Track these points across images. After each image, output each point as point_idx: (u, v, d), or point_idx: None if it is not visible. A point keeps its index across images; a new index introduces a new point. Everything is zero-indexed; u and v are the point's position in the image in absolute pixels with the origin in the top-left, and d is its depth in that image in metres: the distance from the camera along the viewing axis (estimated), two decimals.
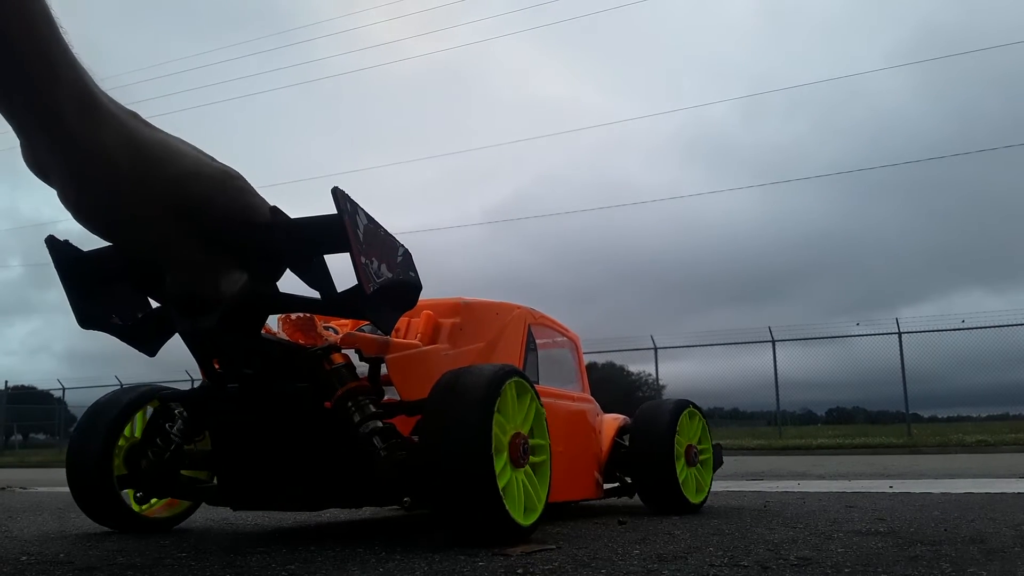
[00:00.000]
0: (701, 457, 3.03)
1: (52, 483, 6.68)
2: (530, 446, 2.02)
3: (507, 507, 1.79)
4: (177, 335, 1.61)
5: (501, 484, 1.79)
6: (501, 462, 1.83)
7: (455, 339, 2.40)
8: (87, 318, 1.51)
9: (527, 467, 2.00)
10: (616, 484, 3.12)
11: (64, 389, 25.18)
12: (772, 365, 17.18)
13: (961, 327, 16.31)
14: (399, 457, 1.82)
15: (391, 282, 1.51)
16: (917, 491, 3.70)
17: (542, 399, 2.15)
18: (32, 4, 1.06)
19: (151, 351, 1.60)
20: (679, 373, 18.61)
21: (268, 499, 2.08)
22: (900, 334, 16.35)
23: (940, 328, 16.61)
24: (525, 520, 1.89)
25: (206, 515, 2.97)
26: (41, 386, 29.41)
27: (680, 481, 2.79)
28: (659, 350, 18.09)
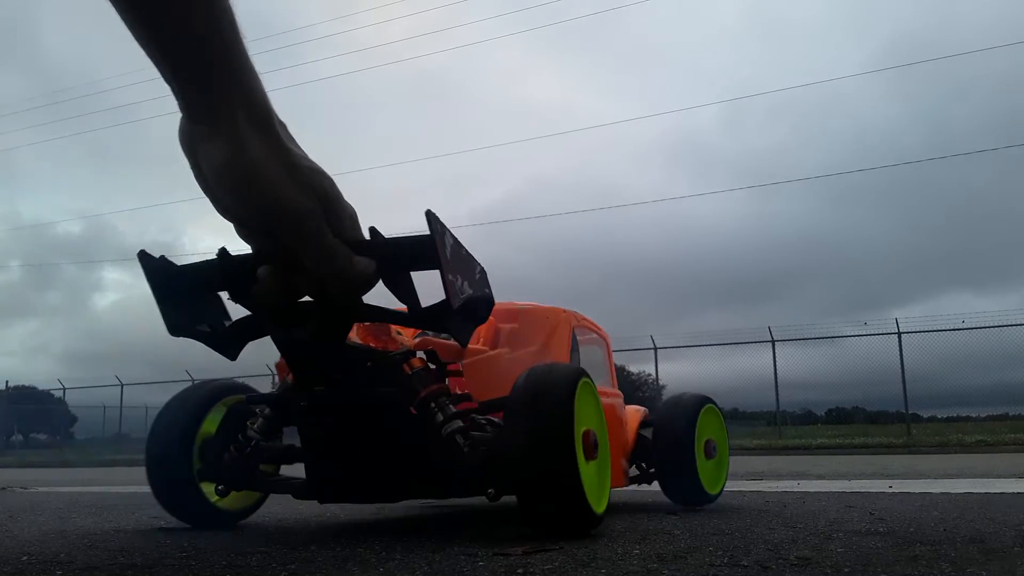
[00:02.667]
0: (718, 451, 3.19)
1: (52, 483, 6.69)
2: (597, 440, 2.16)
3: (587, 496, 1.95)
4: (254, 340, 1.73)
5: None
6: (578, 455, 1.97)
7: (513, 343, 2.63)
8: (177, 327, 1.61)
9: (596, 460, 2.16)
10: (637, 473, 3.28)
11: (64, 389, 25.22)
12: (772, 365, 17.20)
13: (961, 327, 16.32)
14: (483, 452, 1.98)
15: (471, 298, 1.63)
16: (917, 491, 3.70)
17: None
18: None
19: (233, 356, 1.71)
20: (679, 373, 18.65)
21: (353, 493, 2.27)
22: (900, 334, 16.36)
23: (940, 328, 16.62)
24: (599, 508, 2.08)
25: None
26: (41, 386, 29.42)
27: (699, 472, 2.97)
28: (659, 350, 18.11)
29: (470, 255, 1.66)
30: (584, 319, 3.14)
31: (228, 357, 1.72)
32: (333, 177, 1.34)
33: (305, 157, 1.28)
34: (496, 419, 2.17)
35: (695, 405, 3.08)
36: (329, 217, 1.31)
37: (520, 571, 1.51)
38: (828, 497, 3.45)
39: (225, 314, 1.69)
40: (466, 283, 1.60)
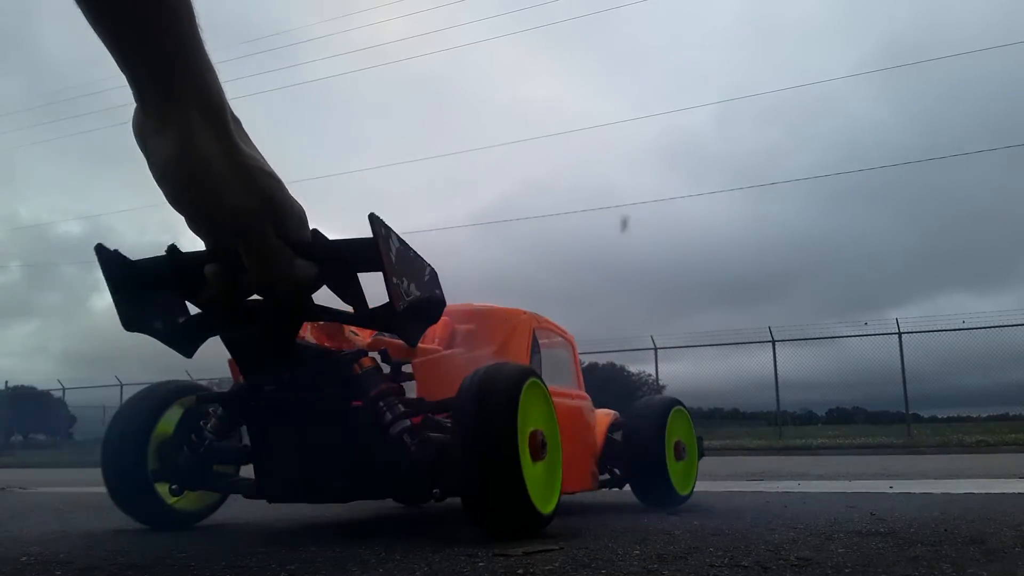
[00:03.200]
0: (687, 452, 3.24)
1: (52, 483, 6.69)
2: (545, 441, 2.15)
3: (531, 497, 1.95)
4: (211, 338, 1.72)
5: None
6: (524, 456, 1.97)
7: (470, 343, 2.61)
8: (131, 321, 1.62)
9: (544, 461, 2.14)
10: (607, 476, 3.27)
11: (64, 389, 25.19)
12: (772, 365, 17.19)
13: (961, 327, 16.32)
14: (428, 453, 1.97)
15: (419, 299, 1.64)
16: (917, 491, 3.70)
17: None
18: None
19: (189, 353, 1.71)
20: (678, 373, 18.64)
21: (303, 493, 2.25)
22: (900, 334, 16.35)
23: (940, 328, 16.61)
24: (545, 509, 2.06)
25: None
26: (41, 386, 29.41)
27: (670, 474, 3.01)
28: (659, 350, 18.10)
29: (419, 256, 1.68)
30: (547, 321, 3.14)
31: (184, 354, 1.71)
32: (282, 179, 1.34)
33: (254, 157, 1.28)
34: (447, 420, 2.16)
35: (664, 407, 3.11)
36: (274, 218, 1.31)
37: (520, 571, 1.51)
38: (829, 497, 3.45)
39: (183, 311, 1.69)
40: (412, 285, 1.61)
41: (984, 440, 12.38)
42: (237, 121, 1.26)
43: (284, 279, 1.39)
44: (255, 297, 1.52)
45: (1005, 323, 16.01)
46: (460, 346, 2.61)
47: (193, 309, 1.68)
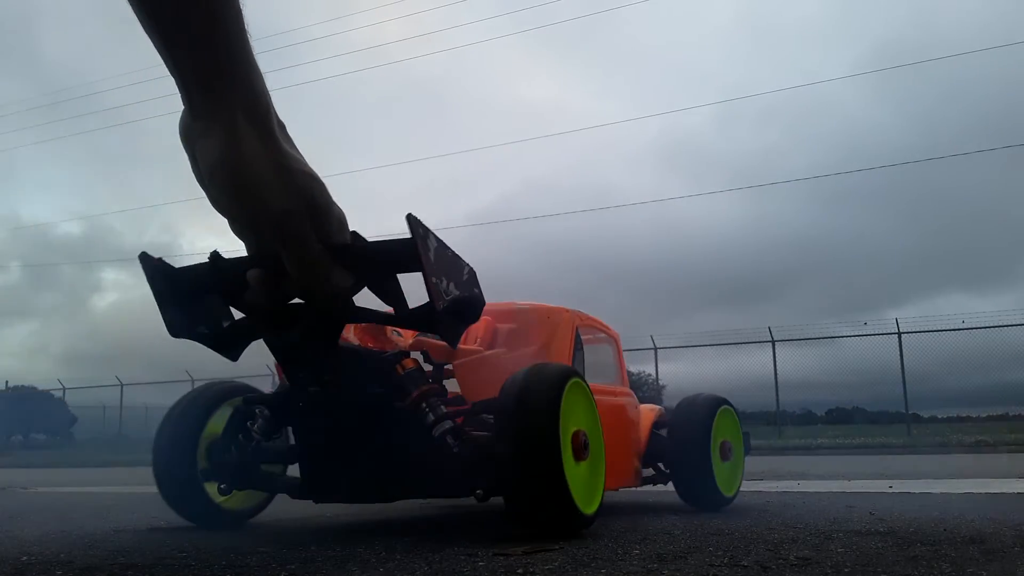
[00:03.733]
0: (734, 453, 3.15)
1: (52, 483, 6.68)
2: (588, 441, 2.15)
3: (573, 497, 1.95)
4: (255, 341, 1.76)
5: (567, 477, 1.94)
6: (566, 456, 1.97)
7: (511, 343, 2.60)
8: (177, 328, 1.63)
9: (586, 461, 2.14)
10: (652, 472, 3.23)
11: (64, 389, 25.16)
12: (772, 365, 17.19)
13: (961, 327, 16.31)
14: (471, 453, 1.98)
15: (458, 299, 1.64)
16: (917, 491, 3.70)
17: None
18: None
19: (234, 357, 1.74)
20: (678, 373, 18.62)
21: (347, 493, 2.28)
22: (900, 334, 16.35)
23: (940, 328, 16.61)
24: (588, 509, 2.06)
25: None
26: (41, 386, 29.38)
27: (715, 474, 2.94)
28: (659, 350, 18.10)
29: (457, 256, 1.67)
30: (590, 318, 3.11)
31: (229, 358, 1.74)
32: (325, 181, 1.35)
33: (299, 160, 1.29)
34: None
35: (711, 406, 3.04)
36: (316, 221, 1.32)
37: (520, 571, 1.51)
38: (828, 497, 3.45)
39: (227, 316, 1.71)
40: (452, 284, 1.61)
41: (983, 440, 12.37)
42: (282, 125, 1.28)
43: (323, 283, 1.40)
44: (297, 301, 1.55)
45: (1005, 323, 16.01)
46: (502, 345, 2.60)
47: (237, 314, 1.70)
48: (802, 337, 17.75)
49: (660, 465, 3.21)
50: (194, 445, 2.39)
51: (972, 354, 16.42)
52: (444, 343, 2.25)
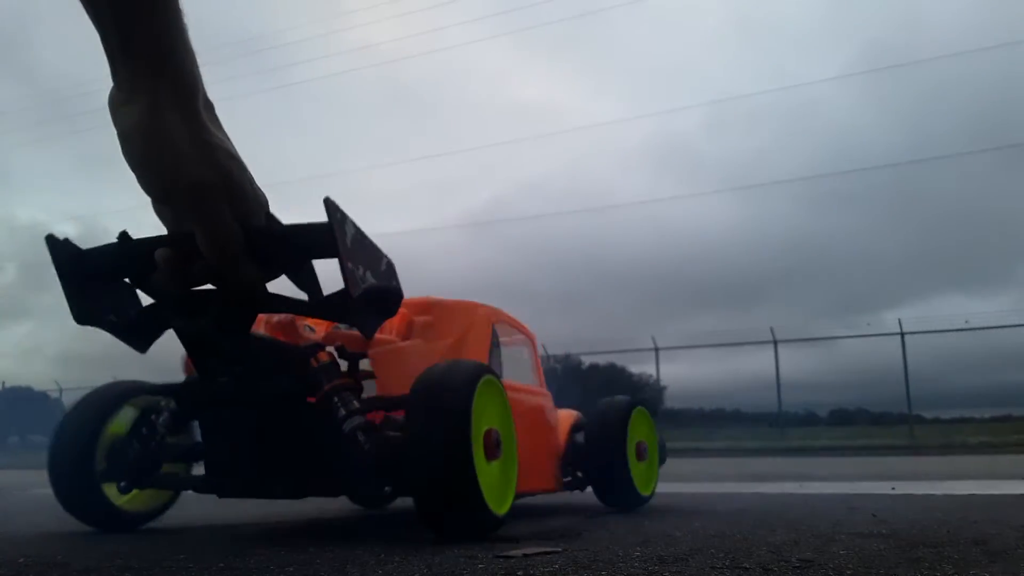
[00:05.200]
0: (648, 452, 3.24)
1: (49, 485, 6.68)
2: (500, 440, 2.13)
3: (485, 498, 1.92)
4: (168, 332, 1.67)
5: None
6: (477, 455, 1.95)
7: (427, 335, 2.57)
8: (83, 314, 1.56)
9: (498, 460, 2.12)
10: (570, 479, 3.24)
11: (61, 390, 25.17)
12: (774, 366, 17.19)
13: (965, 328, 16.29)
14: (381, 451, 1.94)
15: (375, 288, 1.60)
16: (920, 493, 3.69)
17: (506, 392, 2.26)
18: None
19: (143, 347, 1.66)
20: (680, 374, 18.63)
21: (254, 488, 2.20)
22: (903, 335, 16.33)
23: (943, 329, 16.59)
24: (499, 509, 2.03)
25: (205, 516, 2.96)
26: (38, 387, 29.41)
27: (632, 475, 3.00)
28: (660, 351, 18.10)
29: (375, 246, 1.64)
30: (507, 317, 3.10)
31: (138, 349, 1.65)
32: (246, 163, 1.35)
33: (219, 138, 1.31)
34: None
35: (625, 408, 3.10)
36: (231, 196, 1.31)
37: (520, 573, 1.50)
38: (831, 499, 3.44)
39: (136, 303, 1.63)
40: (369, 273, 1.57)
41: (987, 441, 12.36)
42: (210, 106, 1.29)
43: (236, 265, 1.36)
44: (208, 287, 1.46)
45: (1008, 323, 15.99)
46: (417, 337, 2.57)
47: (147, 301, 1.62)
48: (804, 338, 17.76)
49: (578, 472, 3.22)
50: (91, 444, 2.30)
51: (975, 355, 16.43)
52: (359, 334, 2.20)
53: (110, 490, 2.34)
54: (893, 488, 4.04)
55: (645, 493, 3.10)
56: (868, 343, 17.28)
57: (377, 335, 2.32)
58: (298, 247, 1.48)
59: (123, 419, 2.37)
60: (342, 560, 1.71)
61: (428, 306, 2.70)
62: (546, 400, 3.16)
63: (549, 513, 3.01)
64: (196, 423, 2.33)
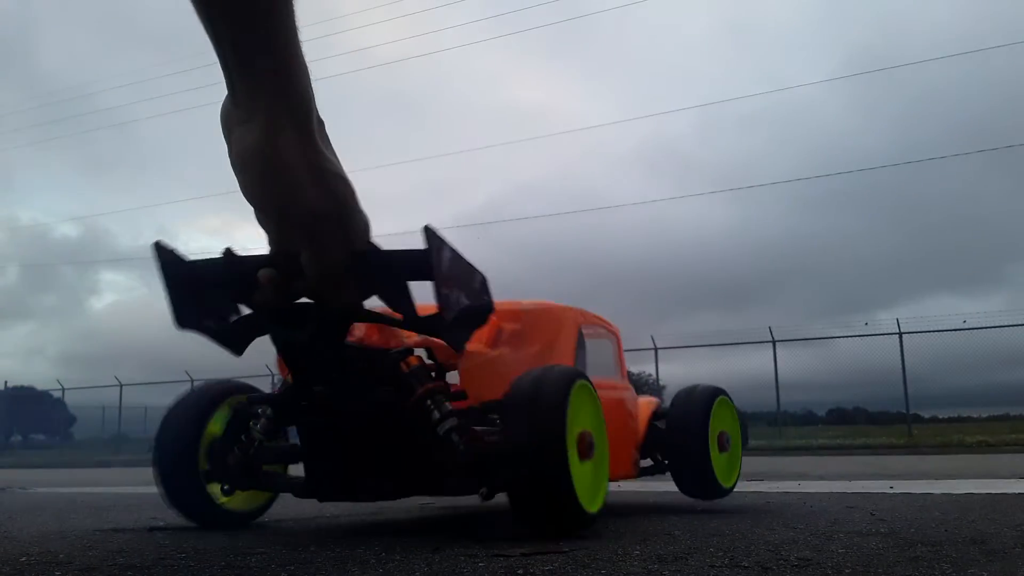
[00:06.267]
0: (731, 443, 3.14)
1: (51, 484, 6.68)
2: (593, 442, 2.18)
3: (578, 496, 1.98)
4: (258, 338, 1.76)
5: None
6: (572, 456, 2.00)
7: (515, 343, 2.63)
8: (183, 320, 1.64)
9: (591, 460, 2.17)
10: (650, 464, 3.24)
11: (64, 390, 25.14)
12: (772, 366, 17.18)
13: (963, 327, 16.30)
14: (477, 451, 2.01)
15: (468, 307, 1.66)
16: (918, 492, 3.70)
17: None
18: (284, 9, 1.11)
19: (238, 352, 1.75)
20: (679, 374, 18.62)
21: (352, 491, 2.29)
22: (901, 334, 16.33)
23: (941, 328, 16.59)
24: (591, 507, 2.09)
25: None
26: (40, 387, 29.38)
27: (712, 465, 2.94)
28: (659, 350, 18.09)
29: (471, 265, 1.69)
30: (591, 315, 3.13)
31: (233, 353, 1.74)
32: (355, 186, 1.34)
33: (333, 162, 1.29)
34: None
35: (708, 397, 3.04)
36: (343, 223, 1.32)
37: (520, 572, 1.51)
38: (829, 498, 3.45)
39: (234, 311, 1.71)
40: (463, 295, 1.63)
41: (985, 440, 12.37)
42: (322, 124, 1.27)
43: (338, 291, 1.41)
44: (306, 300, 1.56)
45: (1005, 323, 16.00)
46: (505, 346, 2.62)
47: (244, 309, 1.71)
48: (803, 337, 17.76)
49: (658, 456, 3.21)
50: (196, 445, 2.38)
51: (973, 354, 16.43)
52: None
53: (213, 489, 2.42)
54: (891, 487, 4.04)
55: (727, 485, 3.04)
56: (866, 343, 17.28)
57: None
58: (397, 271, 1.55)
59: (220, 419, 2.44)
60: (342, 559, 1.72)
61: (517, 314, 2.74)
62: (628, 392, 3.18)
63: None
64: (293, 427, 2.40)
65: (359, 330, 2.27)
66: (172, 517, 2.50)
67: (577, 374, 2.16)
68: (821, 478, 5.30)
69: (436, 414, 2.03)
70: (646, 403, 3.31)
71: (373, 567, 1.60)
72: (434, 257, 1.51)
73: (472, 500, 2.05)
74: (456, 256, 1.62)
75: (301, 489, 2.30)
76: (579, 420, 2.12)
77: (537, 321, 2.79)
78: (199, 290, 1.64)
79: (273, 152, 1.19)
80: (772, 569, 1.52)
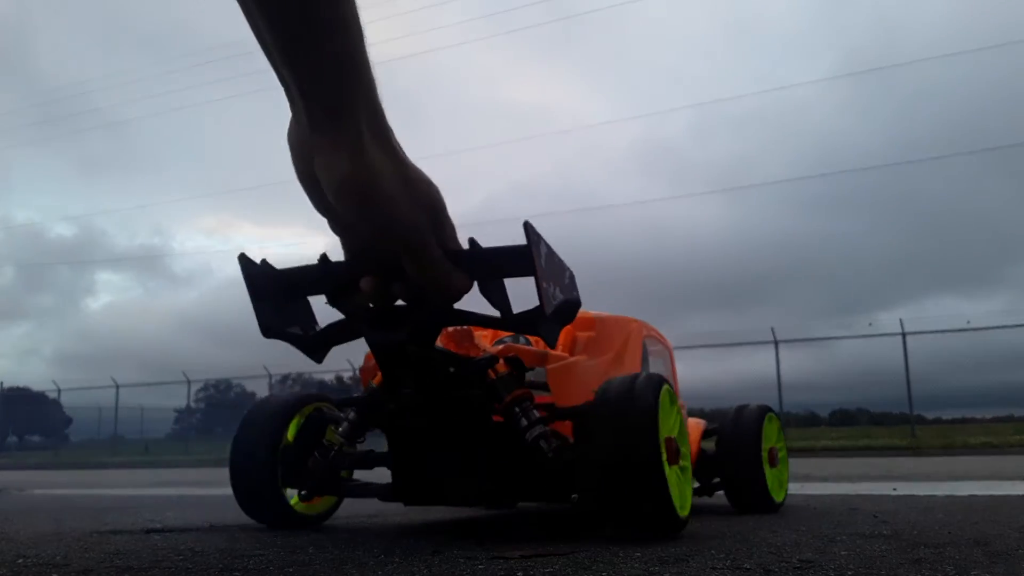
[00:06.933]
0: (780, 457, 3.21)
1: (47, 485, 6.67)
2: (679, 447, 2.20)
3: (672, 499, 1.99)
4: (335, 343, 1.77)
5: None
6: (663, 462, 2.01)
7: (590, 351, 2.68)
8: (270, 328, 1.65)
9: (678, 465, 2.19)
10: (698, 484, 3.25)
11: (60, 391, 25.15)
12: (775, 367, 17.18)
13: (967, 328, 16.28)
14: (567, 457, 2.02)
15: (562, 302, 1.67)
16: (921, 493, 3.68)
17: None
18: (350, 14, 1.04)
19: (320, 358, 1.76)
20: (679, 374, 18.63)
21: (438, 495, 2.31)
22: (904, 335, 16.31)
23: (945, 329, 16.58)
24: (683, 512, 2.10)
25: (204, 517, 2.96)
26: (36, 388, 29.42)
27: (767, 481, 3.01)
28: None
29: (561, 260, 1.71)
30: (653, 329, 3.21)
31: (315, 360, 1.76)
32: (437, 187, 1.33)
33: (416, 168, 1.27)
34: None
35: (759, 416, 3.13)
36: (435, 228, 1.30)
37: (520, 574, 1.50)
38: (831, 499, 3.43)
39: (313, 318, 1.74)
40: (557, 289, 1.64)
41: (989, 441, 12.36)
42: (391, 130, 1.21)
43: (441, 288, 1.38)
44: (401, 303, 1.58)
45: (1009, 324, 15.98)
46: (581, 353, 2.68)
47: (323, 319, 1.73)
48: (805, 338, 17.75)
49: (706, 478, 3.23)
50: (274, 453, 2.44)
51: (976, 355, 16.42)
52: (533, 349, 2.37)
53: (288, 493, 2.48)
54: (895, 489, 4.03)
55: (778, 500, 3.08)
56: (869, 343, 17.29)
57: (550, 351, 2.46)
58: (497, 268, 1.55)
59: (298, 427, 2.50)
60: (341, 561, 1.71)
61: (591, 322, 2.82)
62: (683, 411, 3.19)
63: (549, 514, 3.00)
64: (372, 433, 2.44)
65: (441, 343, 2.31)
66: (169, 519, 2.50)
67: (662, 380, 2.19)
68: (824, 480, 5.28)
69: (524, 421, 2.06)
70: (695, 424, 3.34)
71: (372, 569, 1.58)
72: (534, 252, 1.52)
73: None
74: (551, 251, 1.63)
75: (387, 493, 2.34)
76: (665, 426, 2.14)
77: (609, 330, 2.87)
78: (286, 298, 1.66)
79: (367, 175, 1.14)
80: (774, 571, 1.50)
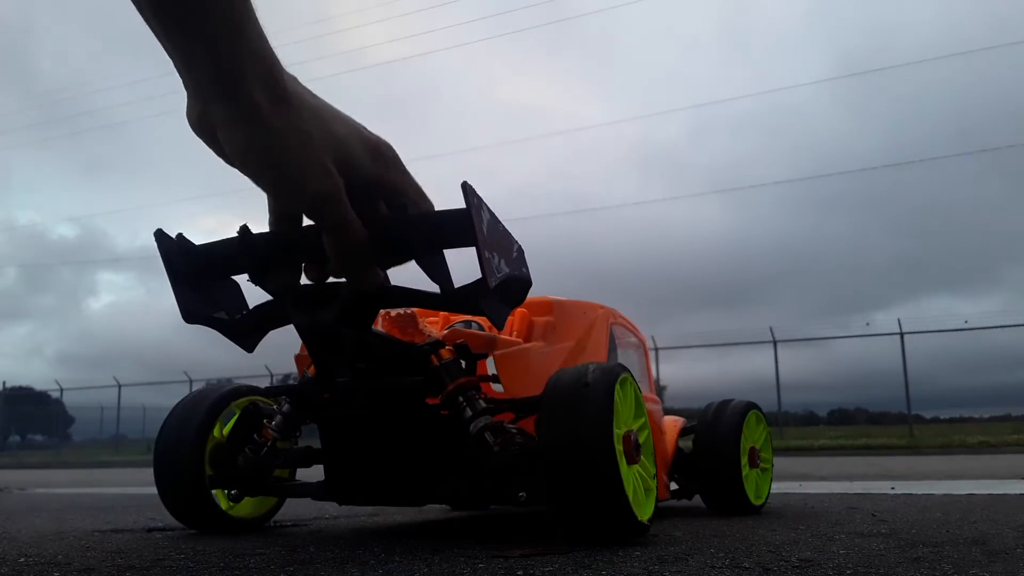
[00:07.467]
0: (762, 459, 3.01)
1: (49, 484, 6.67)
2: (639, 443, 2.02)
3: (631, 503, 1.82)
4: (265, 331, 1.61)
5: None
6: (619, 459, 1.83)
7: (548, 337, 2.46)
8: (191, 313, 1.50)
9: (638, 464, 2.01)
10: (676, 487, 3.10)
11: (62, 390, 25.14)
12: (773, 366, 17.19)
13: (964, 327, 16.30)
14: (513, 453, 1.82)
15: (508, 277, 1.49)
16: (919, 492, 3.69)
17: None
18: None
19: (250, 347, 1.60)
20: (679, 374, 18.64)
21: (376, 494, 2.13)
22: (902, 335, 16.32)
23: (942, 329, 16.59)
24: (643, 516, 1.90)
25: None
26: (38, 387, 29.39)
27: (744, 484, 2.80)
28: (659, 351, 18.09)
29: (507, 231, 1.53)
30: (623, 319, 2.98)
31: (245, 348, 1.61)
32: (393, 145, 1.24)
33: (350, 127, 1.19)
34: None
35: (741, 411, 2.91)
36: (367, 193, 1.22)
37: (520, 573, 1.50)
38: (830, 499, 3.44)
39: (243, 302, 1.58)
40: (503, 261, 1.47)
41: (986, 441, 12.37)
42: (294, 79, 1.15)
43: (353, 277, 1.30)
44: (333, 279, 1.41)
45: (1007, 323, 16.00)
46: (538, 339, 2.45)
47: (251, 301, 1.57)
48: (804, 338, 17.76)
49: (682, 479, 3.06)
50: (201, 449, 2.26)
51: (974, 355, 16.44)
52: (482, 333, 2.15)
53: (218, 495, 2.33)
54: (893, 488, 4.04)
55: (756, 503, 2.87)
56: (867, 343, 17.31)
57: (500, 335, 2.24)
58: (433, 236, 1.39)
59: (226, 423, 2.33)
60: (342, 560, 1.71)
61: (549, 306, 2.59)
62: (656, 407, 3.01)
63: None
64: (308, 427, 2.24)
65: (384, 329, 2.13)
66: (170, 518, 2.49)
67: (621, 368, 1.99)
68: (822, 479, 5.29)
69: (468, 411, 1.86)
70: (672, 422, 3.15)
71: (373, 568, 1.59)
72: (475, 217, 1.35)
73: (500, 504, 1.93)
74: (495, 218, 1.46)
75: (320, 491, 2.16)
76: (624, 419, 1.97)
77: (570, 316, 2.61)
78: (209, 279, 1.51)
79: (270, 147, 1.09)
80: (773, 570, 1.51)
